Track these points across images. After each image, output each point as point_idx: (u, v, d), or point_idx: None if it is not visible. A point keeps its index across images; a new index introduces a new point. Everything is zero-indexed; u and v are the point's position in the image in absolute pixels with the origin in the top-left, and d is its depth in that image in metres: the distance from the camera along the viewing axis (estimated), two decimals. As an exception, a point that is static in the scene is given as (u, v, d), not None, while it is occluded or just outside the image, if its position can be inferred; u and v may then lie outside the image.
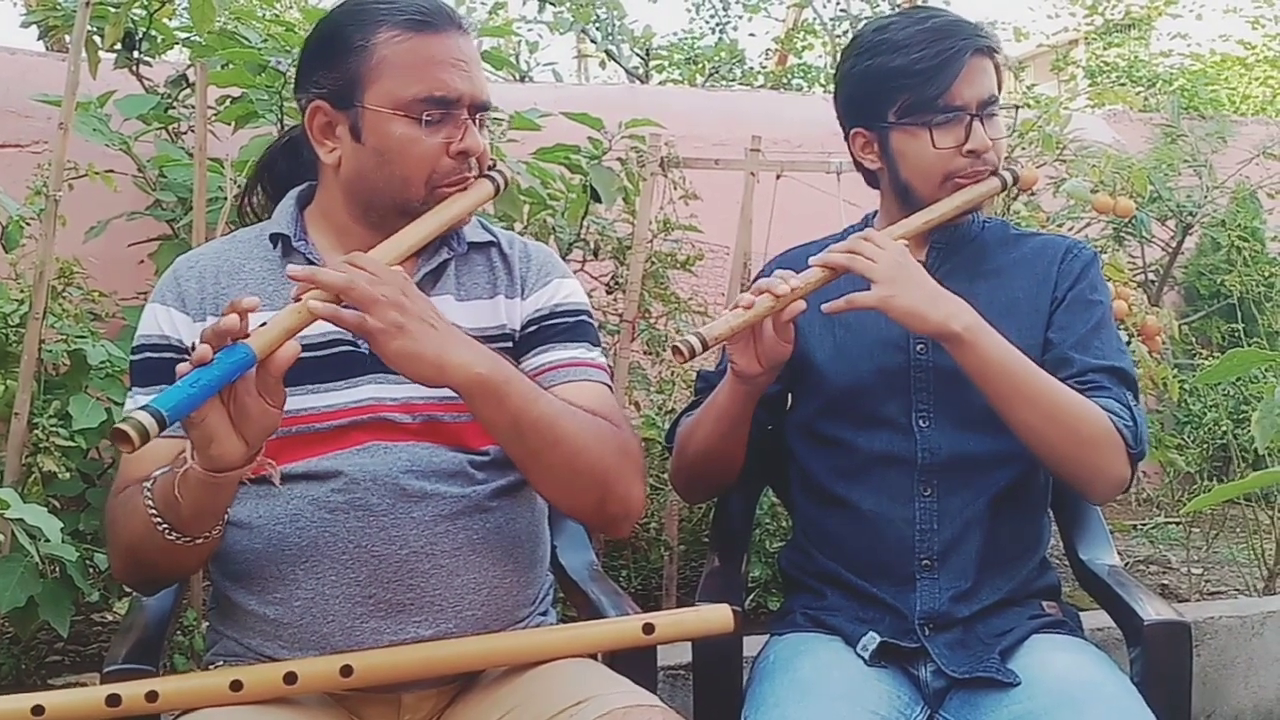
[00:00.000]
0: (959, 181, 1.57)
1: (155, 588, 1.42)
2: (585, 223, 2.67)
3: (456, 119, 1.35)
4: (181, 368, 1.11)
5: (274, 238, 1.41)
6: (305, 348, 1.27)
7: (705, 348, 1.37)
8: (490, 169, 1.42)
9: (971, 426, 1.54)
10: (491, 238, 1.47)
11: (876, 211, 1.71)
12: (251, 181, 1.58)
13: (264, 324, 1.16)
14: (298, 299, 1.20)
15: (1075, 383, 1.50)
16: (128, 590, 2.18)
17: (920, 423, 1.56)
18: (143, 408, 1.06)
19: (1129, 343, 2.63)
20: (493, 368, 1.23)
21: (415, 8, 1.35)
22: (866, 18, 6.96)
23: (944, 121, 1.55)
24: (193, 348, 1.13)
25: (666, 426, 2.65)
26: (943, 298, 1.46)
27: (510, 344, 1.42)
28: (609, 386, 1.43)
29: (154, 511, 1.22)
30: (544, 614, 1.45)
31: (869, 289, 1.46)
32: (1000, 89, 1.59)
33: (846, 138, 1.66)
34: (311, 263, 1.38)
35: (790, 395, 1.70)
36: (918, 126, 1.56)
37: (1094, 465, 1.48)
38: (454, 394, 1.32)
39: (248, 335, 1.13)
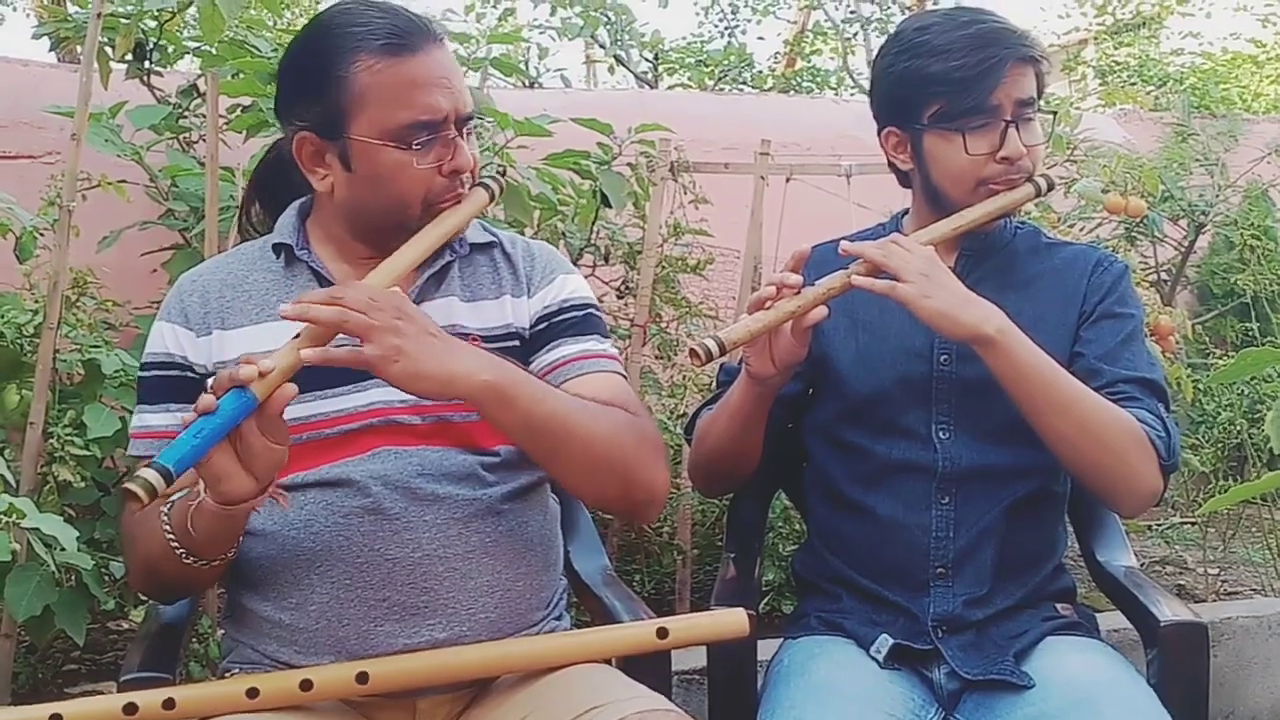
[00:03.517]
0: (992, 187, 1.55)
1: (173, 599, 1.45)
2: (596, 228, 2.67)
3: (445, 138, 1.34)
4: (187, 418, 1.13)
5: (277, 248, 1.42)
6: None
7: (723, 351, 1.37)
8: (497, 174, 1.42)
9: (991, 439, 1.54)
10: (493, 238, 1.48)
11: (907, 210, 1.69)
12: (247, 198, 1.59)
13: (267, 354, 1.17)
14: (298, 335, 1.21)
15: (1106, 393, 1.48)
16: (143, 598, 2.19)
17: (940, 434, 1.55)
18: (150, 465, 1.08)
19: (1142, 342, 2.62)
20: (498, 373, 1.24)
21: (388, 29, 1.32)
22: (877, 20, 6.96)
23: (979, 127, 1.52)
24: (197, 373, 1.13)
25: (679, 430, 2.67)
26: (974, 301, 1.44)
27: (518, 343, 1.42)
28: (623, 375, 1.43)
29: (171, 536, 1.24)
30: (558, 618, 1.45)
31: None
32: (1040, 94, 1.57)
33: (880, 134, 1.64)
34: (316, 271, 1.39)
35: (809, 392, 1.69)
36: (952, 131, 1.53)
37: (1126, 476, 1.46)
38: None
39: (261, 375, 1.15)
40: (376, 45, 1.31)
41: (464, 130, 1.36)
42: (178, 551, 1.24)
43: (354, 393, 1.35)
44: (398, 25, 1.33)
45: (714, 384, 1.80)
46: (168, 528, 1.24)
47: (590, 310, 1.46)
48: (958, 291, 1.44)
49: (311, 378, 1.30)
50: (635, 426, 1.34)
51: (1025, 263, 1.63)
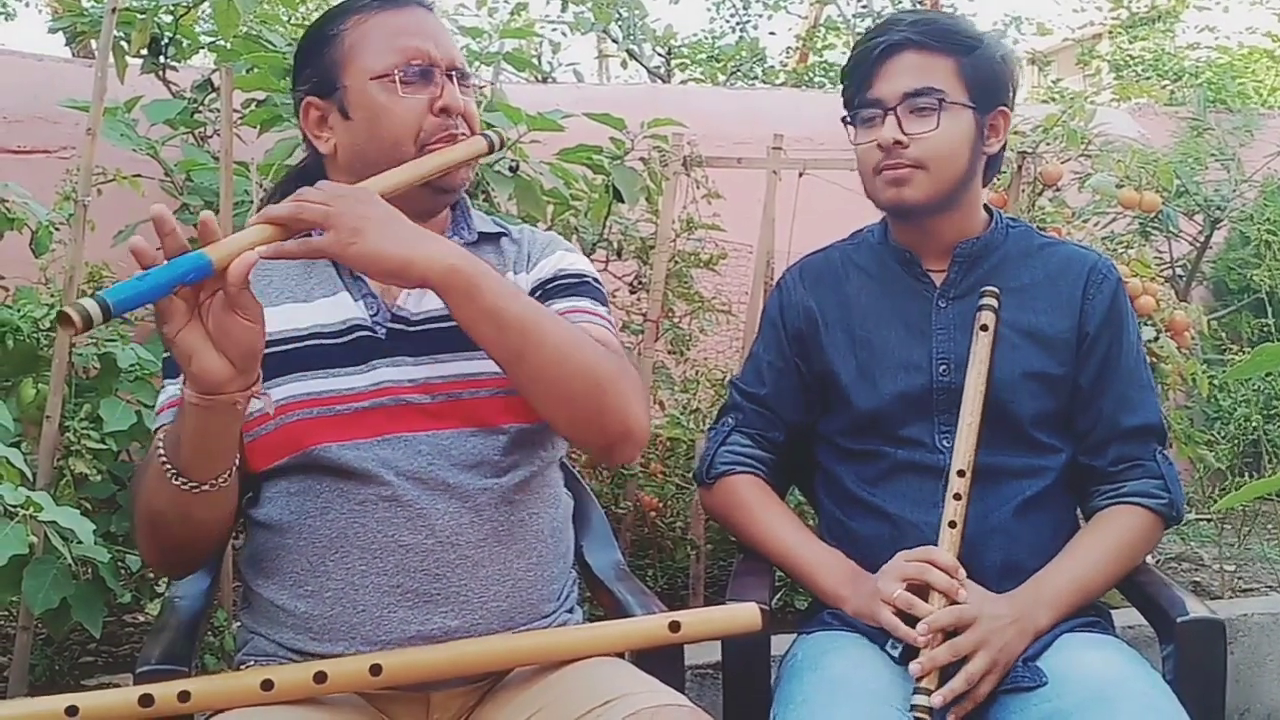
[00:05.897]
0: (884, 174, 1.57)
1: (181, 565, 1.42)
2: (608, 223, 2.67)
3: (433, 78, 1.39)
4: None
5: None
6: (325, 335, 1.35)
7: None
8: (498, 131, 1.45)
9: (995, 442, 1.54)
10: (502, 229, 1.52)
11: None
12: (279, 186, 1.60)
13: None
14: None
15: (1110, 467, 1.57)
16: (160, 591, 2.20)
17: (943, 442, 1.56)
18: (91, 296, 1.08)
19: (1156, 338, 2.61)
20: (464, 261, 1.24)
21: None
22: (889, 14, 6.93)
23: (867, 119, 1.58)
24: None
25: (691, 425, 2.67)
26: None
27: None
28: (613, 334, 1.43)
29: (163, 456, 1.23)
30: (570, 611, 1.45)
31: None
32: (973, 87, 1.55)
33: None
34: None
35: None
36: (850, 125, 1.61)
37: (1144, 556, 1.61)
38: (470, 371, 1.34)
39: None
40: (365, 3, 1.41)
41: (455, 80, 1.41)
42: (169, 473, 1.22)
43: (364, 371, 1.36)
44: None
45: (726, 389, 1.79)
46: (160, 448, 1.24)
47: (586, 280, 1.47)
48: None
49: (325, 357, 1.34)
50: (616, 360, 1.34)
51: (1018, 268, 1.63)
